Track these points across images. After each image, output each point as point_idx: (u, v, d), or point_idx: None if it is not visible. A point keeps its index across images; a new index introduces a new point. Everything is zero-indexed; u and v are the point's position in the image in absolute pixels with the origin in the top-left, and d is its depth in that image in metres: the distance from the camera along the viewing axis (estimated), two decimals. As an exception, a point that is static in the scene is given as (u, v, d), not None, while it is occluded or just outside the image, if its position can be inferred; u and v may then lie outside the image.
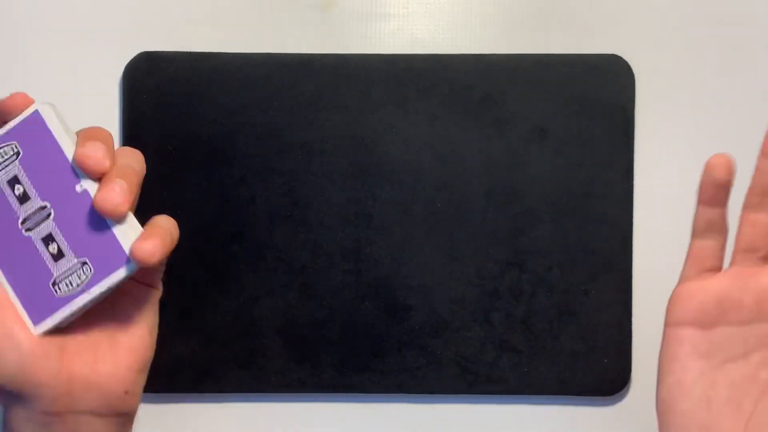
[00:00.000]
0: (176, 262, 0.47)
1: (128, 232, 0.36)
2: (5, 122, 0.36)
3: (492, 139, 0.48)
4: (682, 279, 0.37)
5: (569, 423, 0.49)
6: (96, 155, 0.35)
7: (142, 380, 0.39)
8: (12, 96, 0.36)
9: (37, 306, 0.36)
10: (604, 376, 0.48)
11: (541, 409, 0.49)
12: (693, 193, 0.50)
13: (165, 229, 0.36)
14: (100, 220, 0.36)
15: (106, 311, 0.38)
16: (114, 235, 0.36)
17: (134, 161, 0.37)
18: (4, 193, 0.36)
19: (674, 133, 0.50)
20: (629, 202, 0.48)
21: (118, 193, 0.34)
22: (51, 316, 0.36)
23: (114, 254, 0.36)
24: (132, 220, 0.37)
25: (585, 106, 0.48)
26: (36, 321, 0.36)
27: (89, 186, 0.36)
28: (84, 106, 0.49)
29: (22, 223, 0.36)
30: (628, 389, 0.49)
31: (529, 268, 0.48)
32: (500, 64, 0.48)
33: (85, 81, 0.49)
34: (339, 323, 0.48)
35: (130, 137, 0.48)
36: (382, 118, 0.48)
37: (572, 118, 0.48)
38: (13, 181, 0.36)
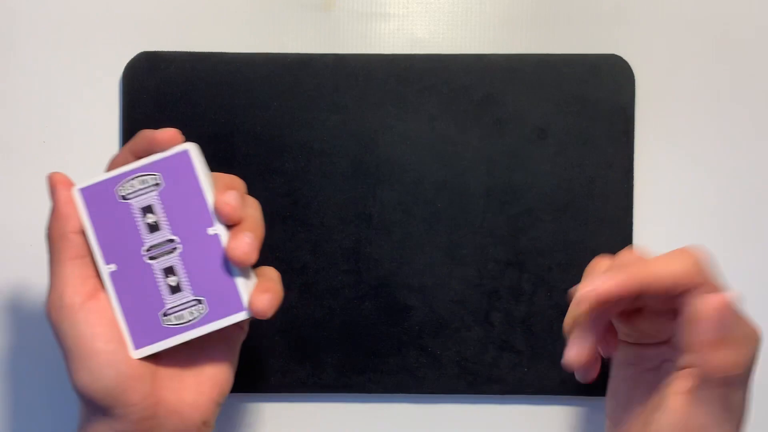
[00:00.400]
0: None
1: (247, 282, 0.38)
2: (150, 152, 0.38)
3: (492, 139, 0.48)
4: None
5: (569, 423, 0.49)
6: (235, 205, 0.37)
7: (217, 413, 0.40)
8: (165, 130, 0.38)
9: (142, 331, 0.38)
10: (603, 376, 0.48)
11: (541, 409, 0.49)
12: (693, 193, 0.50)
13: (277, 283, 0.39)
14: (224, 265, 0.38)
15: (195, 344, 0.39)
16: (234, 282, 0.38)
17: (258, 213, 0.40)
18: (134, 219, 0.38)
19: (674, 133, 0.50)
20: (629, 202, 0.48)
21: (249, 245, 0.37)
22: (154, 344, 0.38)
23: (231, 300, 0.38)
24: (250, 270, 0.39)
25: (585, 106, 0.48)
26: (138, 345, 0.38)
27: (221, 231, 0.38)
28: (84, 106, 0.49)
29: (147, 250, 0.38)
30: (628, 389, 0.49)
31: (529, 268, 0.48)
32: (500, 64, 0.48)
33: (85, 81, 0.49)
34: (339, 323, 0.48)
35: (130, 137, 0.48)
36: (382, 118, 0.48)
37: (572, 118, 0.48)
38: (147, 210, 0.38)
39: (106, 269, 0.38)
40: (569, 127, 0.48)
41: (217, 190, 0.38)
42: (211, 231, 0.38)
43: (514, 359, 0.48)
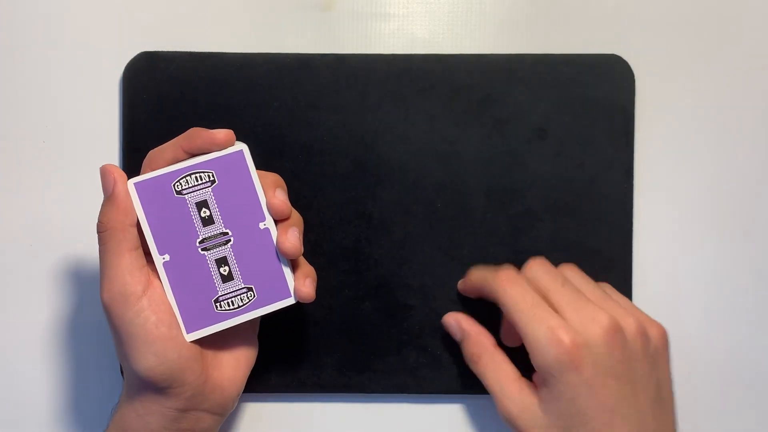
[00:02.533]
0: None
1: (291, 271, 0.42)
2: (205, 150, 0.41)
3: (492, 139, 0.48)
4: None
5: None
6: (287, 203, 0.41)
7: (244, 386, 0.45)
8: (222, 131, 0.41)
9: (195, 315, 0.41)
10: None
11: (541, 409, 0.49)
12: (693, 193, 0.50)
13: (312, 270, 0.43)
14: (272, 257, 0.42)
15: (230, 327, 0.43)
16: (282, 272, 0.42)
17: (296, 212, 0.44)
18: (189, 212, 0.41)
19: (674, 133, 0.50)
20: (629, 202, 0.48)
21: (298, 238, 0.41)
22: (207, 327, 0.41)
23: (279, 287, 0.42)
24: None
25: (585, 106, 0.48)
26: (190, 329, 0.41)
27: (271, 226, 0.41)
28: (84, 106, 0.49)
29: (201, 242, 0.41)
30: (628, 389, 0.49)
31: (529, 268, 0.48)
32: (500, 64, 0.48)
33: (85, 81, 0.49)
34: (339, 323, 0.48)
35: (130, 137, 0.48)
36: (382, 118, 0.48)
37: (572, 118, 0.48)
38: (202, 204, 0.41)
39: (160, 259, 0.41)
40: (569, 127, 0.48)
41: (267, 188, 0.41)
42: (262, 225, 0.41)
43: (514, 359, 0.48)
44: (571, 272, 0.45)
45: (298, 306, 0.43)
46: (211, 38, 0.49)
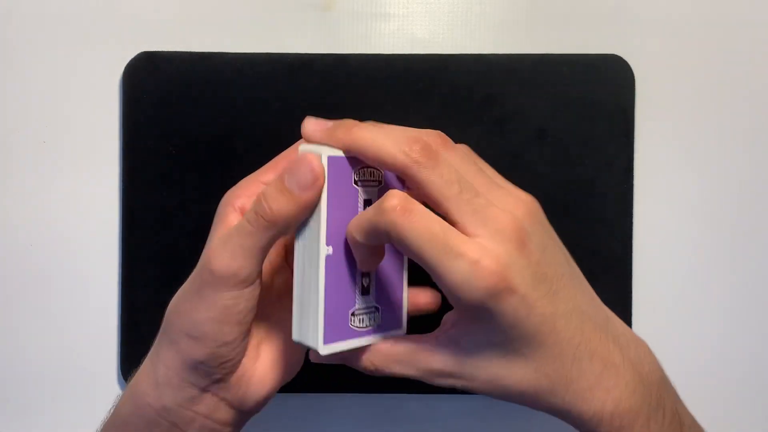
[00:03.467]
0: (176, 262, 0.47)
1: (407, 302, 0.38)
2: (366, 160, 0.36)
3: (492, 139, 0.48)
4: None
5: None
6: None
7: (274, 394, 0.40)
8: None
9: (335, 325, 0.35)
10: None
11: (541, 409, 0.49)
12: (692, 193, 0.50)
13: None
14: (400, 280, 0.38)
15: (278, 321, 0.40)
16: (402, 300, 0.38)
17: None
18: (358, 207, 0.36)
19: (674, 133, 0.50)
20: (629, 202, 0.48)
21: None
22: (340, 342, 0.36)
23: (396, 315, 0.38)
24: None
25: (585, 106, 0.48)
26: (327, 339, 0.35)
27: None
28: (84, 106, 0.49)
29: None
30: (628, 389, 0.49)
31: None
32: (500, 64, 0.48)
33: (85, 81, 0.49)
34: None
35: (130, 137, 0.48)
36: (382, 118, 0.48)
37: (572, 118, 0.48)
38: (367, 203, 0.36)
39: (325, 250, 0.35)
40: (569, 127, 0.48)
41: None
42: None
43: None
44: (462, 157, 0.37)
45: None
46: (211, 38, 0.49)
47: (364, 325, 0.36)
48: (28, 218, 0.49)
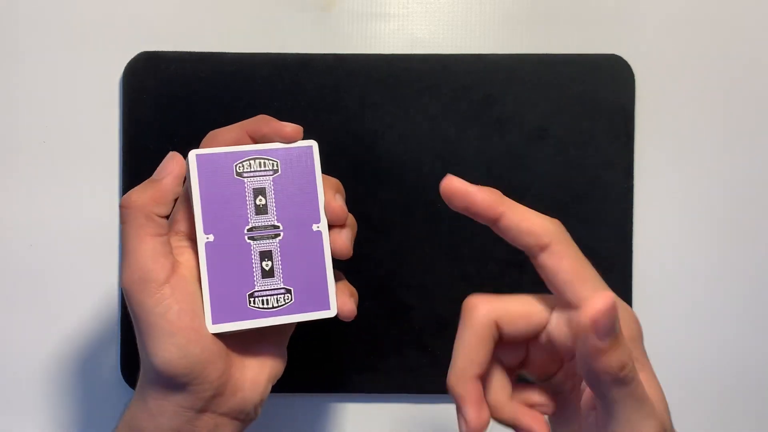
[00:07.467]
0: (176, 262, 0.47)
1: (333, 283, 0.39)
2: (269, 139, 0.39)
3: (492, 139, 0.48)
4: None
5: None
6: (345, 209, 0.39)
7: (267, 395, 0.41)
8: (291, 125, 0.39)
9: (225, 307, 0.38)
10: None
11: (541, 409, 0.49)
12: (692, 193, 0.50)
13: (356, 292, 0.41)
14: (319, 262, 0.39)
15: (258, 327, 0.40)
16: (326, 281, 0.39)
17: (352, 217, 0.41)
18: (245, 197, 0.39)
19: (674, 133, 0.50)
20: (629, 202, 0.48)
21: (351, 241, 0.40)
22: (234, 322, 0.38)
23: (318, 297, 0.39)
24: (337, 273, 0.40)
25: (585, 106, 0.48)
26: (216, 319, 0.38)
27: (324, 230, 0.39)
28: (84, 106, 0.49)
29: (249, 230, 0.39)
30: (628, 389, 0.49)
31: (529, 268, 0.48)
32: (500, 64, 0.48)
33: (85, 81, 0.49)
34: (339, 323, 0.48)
35: (130, 137, 0.48)
36: (382, 118, 0.48)
37: (572, 118, 0.48)
38: (259, 192, 0.39)
39: (204, 238, 0.38)
40: (569, 127, 0.48)
41: (327, 190, 0.40)
42: (315, 227, 0.39)
43: (514, 359, 0.48)
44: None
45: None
46: (211, 38, 0.49)
47: (270, 306, 0.39)
48: (28, 218, 0.49)
